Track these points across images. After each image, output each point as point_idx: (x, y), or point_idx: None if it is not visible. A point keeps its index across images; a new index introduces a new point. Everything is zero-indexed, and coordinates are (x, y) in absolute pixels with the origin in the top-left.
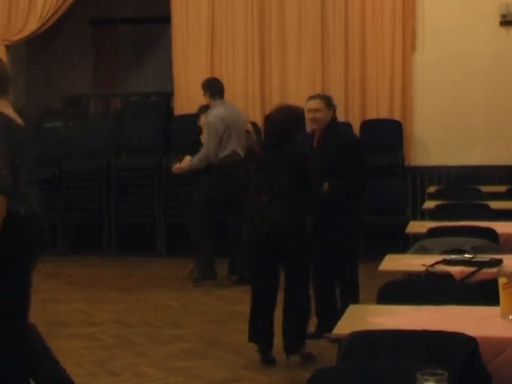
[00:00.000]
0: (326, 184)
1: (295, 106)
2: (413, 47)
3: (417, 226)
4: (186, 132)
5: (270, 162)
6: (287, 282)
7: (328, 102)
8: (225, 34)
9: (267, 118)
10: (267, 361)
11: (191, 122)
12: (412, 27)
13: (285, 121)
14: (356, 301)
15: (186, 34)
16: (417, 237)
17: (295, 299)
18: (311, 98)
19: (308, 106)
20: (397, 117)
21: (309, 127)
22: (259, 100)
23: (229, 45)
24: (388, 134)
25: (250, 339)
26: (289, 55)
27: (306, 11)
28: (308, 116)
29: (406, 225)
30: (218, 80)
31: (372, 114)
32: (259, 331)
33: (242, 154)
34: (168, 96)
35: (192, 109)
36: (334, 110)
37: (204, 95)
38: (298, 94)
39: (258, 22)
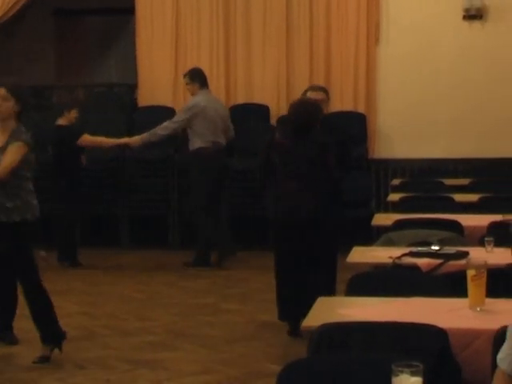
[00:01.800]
0: None
1: (313, 100)
2: (377, 40)
3: (382, 219)
4: (150, 124)
5: (293, 151)
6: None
7: (327, 94)
8: (189, 25)
9: (288, 110)
10: (296, 335)
11: (155, 113)
12: (376, 20)
13: (305, 112)
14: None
15: (151, 25)
16: (381, 229)
17: (317, 281)
18: (313, 89)
19: (311, 95)
20: (361, 109)
21: None
22: (224, 91)
23: (193, 36)
24: (352, 127)
25: (280, 318)
26: (253, 46)
27: (271, 3)
28: None
29: (370, 217)
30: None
31: (336, 107)
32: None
33: (223, 142)
34: (132, 87)
35: (156, 100)
36: (328, 101)
37: (189, 84)
38: (263, 85)
39: (223, 14)
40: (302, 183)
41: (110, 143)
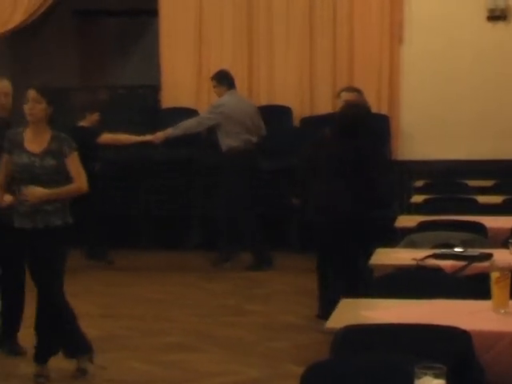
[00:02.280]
0: None
1: (363, 104)
2: (400, 40)
3: (405, 220)
4: (173, 125)
5: (338, 152)
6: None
7: (362, 95)
8: (213, 27)
9: (339, 112)
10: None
11: (178, 115)
12: (399, 20)
13: (350, 115)
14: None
15: (174, 27)
16: (404, 231)
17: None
18: (347, 90)
19: (343, 96)
20: (384, 111)
21: None
22: (247, 93)
23: (217, 37)
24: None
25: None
26: (276, 48)
27: (293, 3)
28: (341, 104)
29: (393, 219)
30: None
31: None
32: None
33: (254, 140)
34: (155, 89)
35: (179, 102)
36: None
37: (216, 86)
38: (286, 86)
39: (246, 15)
40: (343, 184)
41: (132, 140)
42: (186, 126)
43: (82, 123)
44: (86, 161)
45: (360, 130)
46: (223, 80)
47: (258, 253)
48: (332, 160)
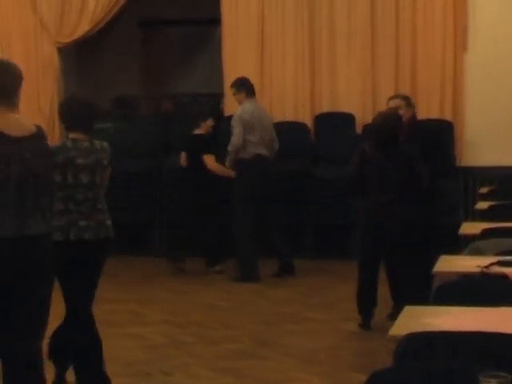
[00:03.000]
0: None
1: (395, 111)
2: (464, 46)
3: (470, 228)
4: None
5: (380, 163)
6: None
7: (407, 100)
8: (275, 35)
9: (372, 122)
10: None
11: None
12: (463, 26)
13: (392, 125)
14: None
15: (236, 35)
16: (469, 238)
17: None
18: (392, 98)
19: (390, 104)
20: (448, 117)
21: None
22: (309, 101)
23: (279, 45)
24: (439, 135)
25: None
26: (339, 54)
27: (355, 11)
28: None
29: (458, 226)
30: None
31: (423, 115)
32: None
33: (267, 155)
34: (218, 97)
35: None
36: (414, 108)
37: (236, 94)
38: (348, 94)
39: (308, 23)
40: (390, 195)
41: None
42: (234, 147)
43: (197, 131)
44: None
45: (394, 137)
46: (241, 87)
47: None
48: (376, 172)
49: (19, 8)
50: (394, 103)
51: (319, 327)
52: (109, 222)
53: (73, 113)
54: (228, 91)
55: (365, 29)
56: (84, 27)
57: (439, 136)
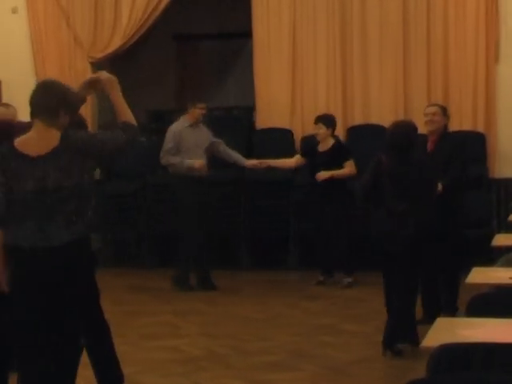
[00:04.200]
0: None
1: (410, 121)
2: (496, 58)
3: (503, 239)
4: (268, 145)
5: (396, 173)
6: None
7: (443, 110)
8: (306, 47)
9: (388, 132)
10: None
11: (273, 135)
12: (495, 38)
13: (406, 134)
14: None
15: (268, 48)
16: (502, 250)
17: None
18: (430, 105)
19: (426, 111)
20: (480, 129)
21: (426, 129)
22: (341, 112)
23: (310, 58)
24: (472, 146)
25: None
26: (370, 67)
27: (387, 22)
28: (426, 119)
29: (491, 238)
30: None
31: (455, 126)
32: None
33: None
34: (250, 110)
35: (273, 122)
36: (448, 119)
37: None
38: (380, 105)
39: (340, 35)
40: (404, 205)
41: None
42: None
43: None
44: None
45: (410, 147)
46: None
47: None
48: (392, 182)
49: (53, 23)
50: (431, 110)
51: (355, 339)
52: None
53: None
54: (259, 104)
55: (397, 42)
56: (117, 42)
57: (465, 147)
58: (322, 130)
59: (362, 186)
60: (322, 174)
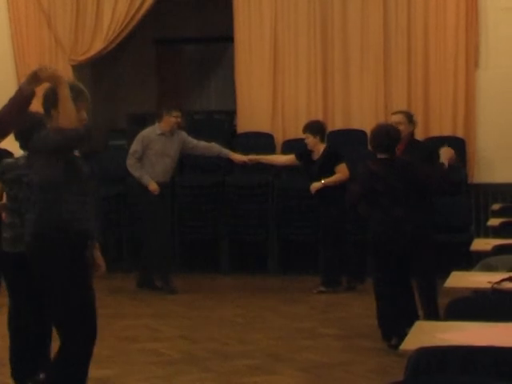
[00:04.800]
0: None
1: (391, 124)
2: (476, 64)
3: (481, 244)
4: (249, 150)
5: (383, 176)
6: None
7: (409, 117)
8: (287, 52)
9: (370, 134)
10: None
11: (254, 139)
12: (475, 44)
13: (387, 132)
14: None
15: (249, 53)
16: (480, 254)
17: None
18: (394, 113)
19: (392, 119)
20: (460, 134)
21: None
22: (322, 117)
23: (291, 62)
24: None
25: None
26: (351, 71)
27: (368, 29)
28: None
29: (469, 242)
30: None
31: (435, 132)
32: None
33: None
34: (231, 114)
35: (255, 127)
36: (414, 126)
37: None
38: (361, 112)
39: (321, 41)
40: (399, 209)
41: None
42: None
43: None
44: None
45: (391, 147)
46: None
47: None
48: (384, 187)
49: (34, 25)
50: (396, 118)
51: (334, 343)
52: None
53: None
54: (240, 108)
55: (377, 48)
56: (98, 45)
57: (434, 154)
58: (309, 139)
59: (349, 197)
60: (314, 186)
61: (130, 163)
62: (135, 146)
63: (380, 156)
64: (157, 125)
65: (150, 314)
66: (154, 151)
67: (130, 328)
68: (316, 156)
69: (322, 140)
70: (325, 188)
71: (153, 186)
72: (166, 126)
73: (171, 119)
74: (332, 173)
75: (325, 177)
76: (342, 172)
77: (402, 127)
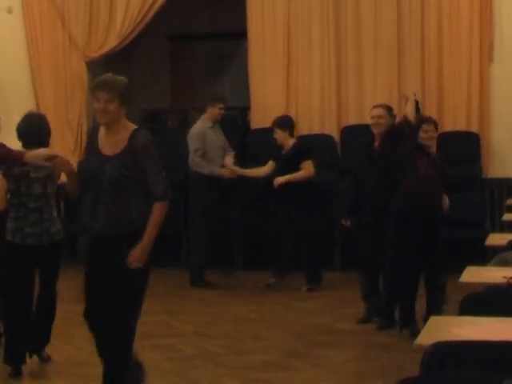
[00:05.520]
0: None
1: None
2: (490, 59)
3: (496, 239)
4: (263, 146)
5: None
6: None
7: (389, 110)
8: (301, 47)
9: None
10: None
11: (268, 135)
12: (489, 39)
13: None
14: None
15: (262, 48)
16: (495, 249)
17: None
18: (375, 106)
19: (372, 113)
20: (474, 129)
21: (374, 131)
22: (335, 113)
23: (305, 58)
24: (465, 147)
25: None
26: (365, 66)
27: (381, 24)
28: (372, 121)
29: (484, 237)
30: None
31: (449, 127)
32: None
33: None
34: (244, 110)
35: (268, 122)
36: (395, 119)
37: None
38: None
39: (334, 36)
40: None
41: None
42: None
43: None
44: None
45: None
46: None
47: None
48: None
49: (48, 23)
50: (377, 112)
51: (349, 339)
52: (54, 229)
53: (28, 131)
54: (254, 104)
55: (391, 42)
56: (112, 42)
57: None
58: (278, 135)
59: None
60: (277, 180)
61: (197, 161)
62: (196, 143)
63: None
64: (204, 119)
65: (165, 310)
66: (213, 144)
67: (146, 324)
68: (285, 151)
69: (291, 135)
70: (289, 184)
71: (225, 172)
72: (211, 117)
73: (215, 110)
74: (297, 169)
75: (291, 172)
76: (306, 169)
77: (382, 121)
